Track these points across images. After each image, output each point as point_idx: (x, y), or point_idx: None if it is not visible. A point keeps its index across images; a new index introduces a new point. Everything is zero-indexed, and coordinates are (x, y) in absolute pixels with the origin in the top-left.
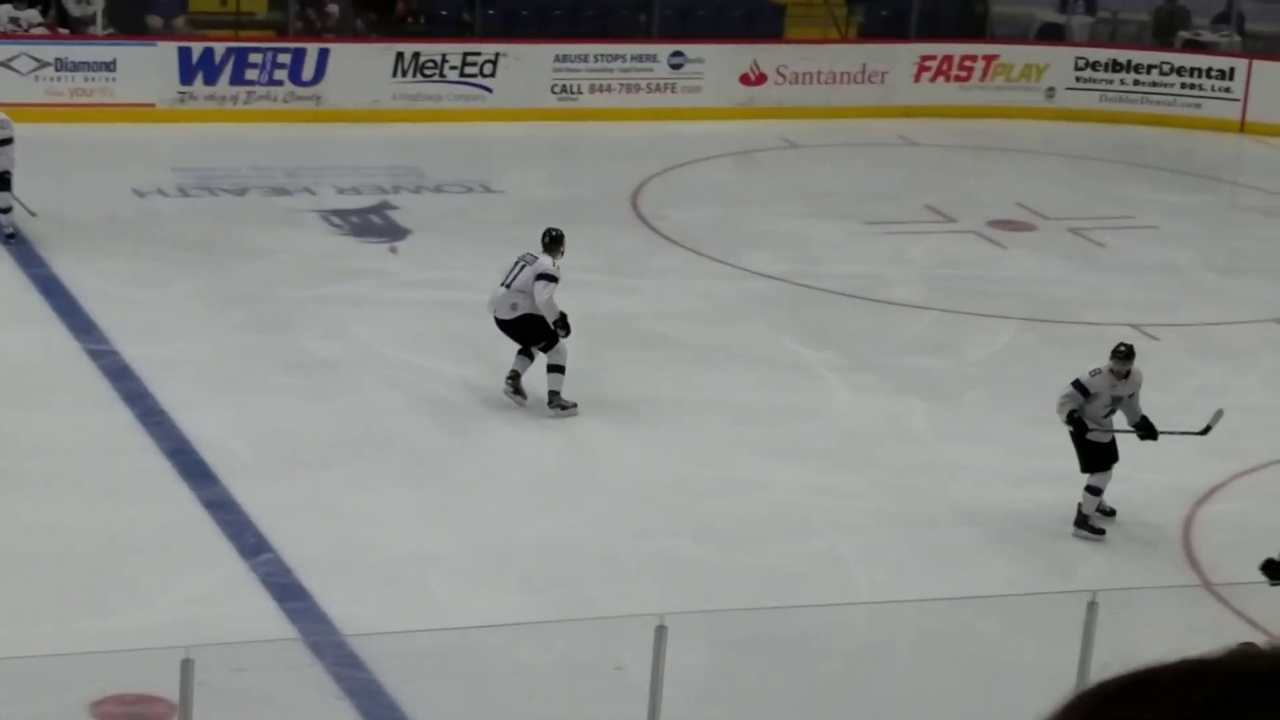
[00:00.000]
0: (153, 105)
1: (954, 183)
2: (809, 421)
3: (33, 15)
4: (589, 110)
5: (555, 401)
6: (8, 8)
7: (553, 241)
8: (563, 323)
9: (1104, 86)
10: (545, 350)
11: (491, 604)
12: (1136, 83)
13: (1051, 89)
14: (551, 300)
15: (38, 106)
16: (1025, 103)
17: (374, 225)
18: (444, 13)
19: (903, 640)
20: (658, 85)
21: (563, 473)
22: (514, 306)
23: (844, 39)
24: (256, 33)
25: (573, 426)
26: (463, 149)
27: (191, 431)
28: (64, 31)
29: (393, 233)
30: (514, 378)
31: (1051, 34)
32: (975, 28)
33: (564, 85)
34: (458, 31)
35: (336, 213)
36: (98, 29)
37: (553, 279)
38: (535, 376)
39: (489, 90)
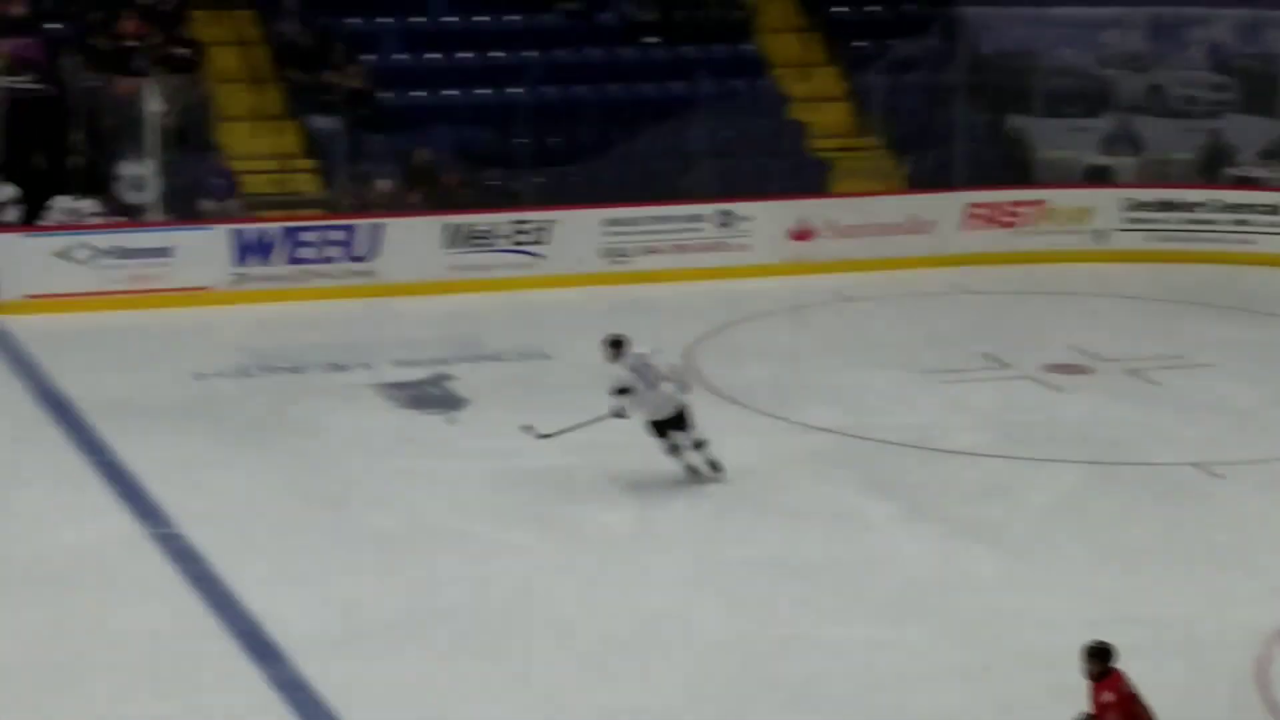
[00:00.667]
0: (209, 288)
1: (1008, 329)
2: (872, 574)
3: (89, 205)
4: (640, 273)
5: (720, 467)
6: (65, 199)
7: (617, 344)
8: None
9: (1153, 226)
10: (687, 428)
11: None
12: (1187, 221)
13: (1101, 231)
14: None
15: (96, 295)
16: (1075, 245)
17: (431, 396)
18: (493, 183)
19: None
20: (707, 244)
21: (629, 637)
22: (682, 387)
23: (891, 190)
24: (308, 211)
25: (636, 590)
26: (517, 316)
27: (259, 611)
28: (120, 219)
29: (450, 403)
30: (711, 464)
31: (1098, 176)
32: (1021, 173)
33: (614, 249)
34: (506, 201)
35: (394, 386)
36: (153, 215)
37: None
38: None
39: (540, 257)
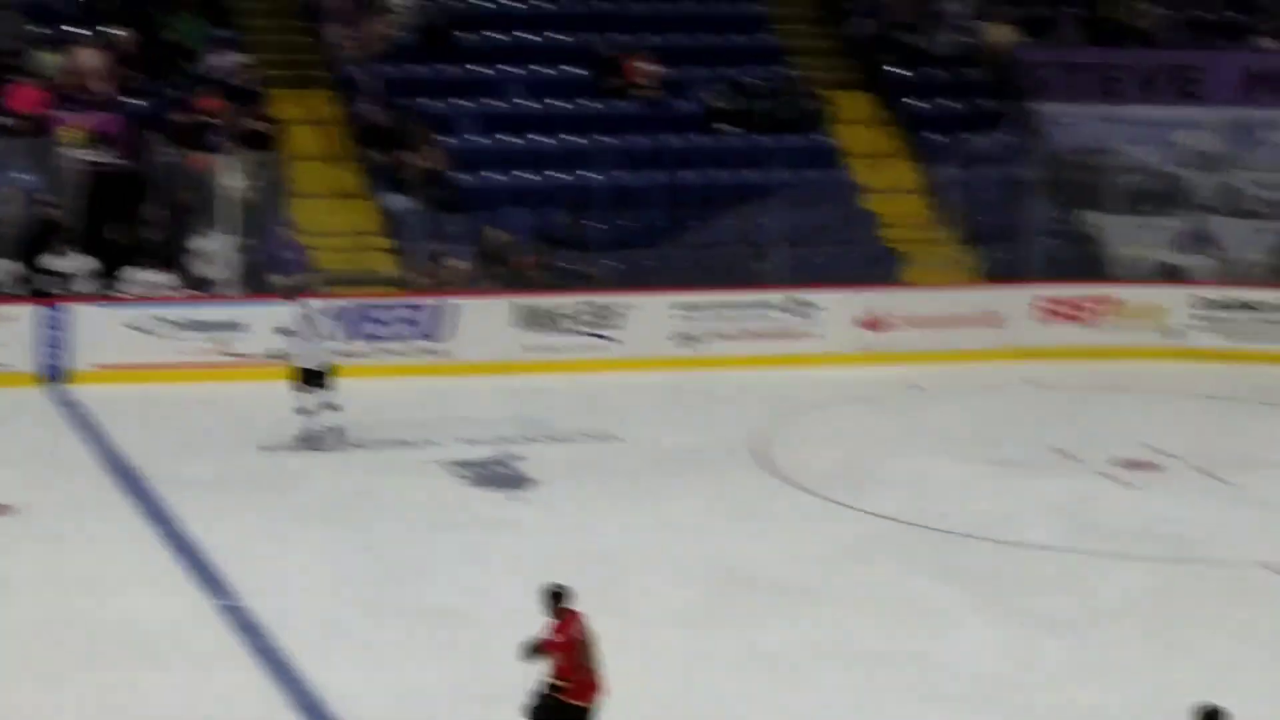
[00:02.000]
0: (279, 363)
1: (1079, 423)
2: (941, 665)
3: (163, 278)
4: (711, 358)
5: (344, 438)
6: (139, 271)
7: (290, 293)
8: None
9: (1226, 325)
10: (327, 389)
11: None
12: (1259, 320)
13: (1172, 328)
14: None
15: (167, 366)
16: (1147, 343)
17: (498, 475)
18: (565, 265)
19: None
20: (779, 331)
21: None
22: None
23: (963, 282)
24: (382, 289)
25: (696, 676)
26: (586, 398)
27: (320, 686)
28: (193, 293)
29: (517, 483)
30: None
31: (1170, 274)
32: (1093, 269)
33: (685, 333)
34: (579, 283)
35: (461, 464)
36: (225, 289)
37: None
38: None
39: (611, 340)
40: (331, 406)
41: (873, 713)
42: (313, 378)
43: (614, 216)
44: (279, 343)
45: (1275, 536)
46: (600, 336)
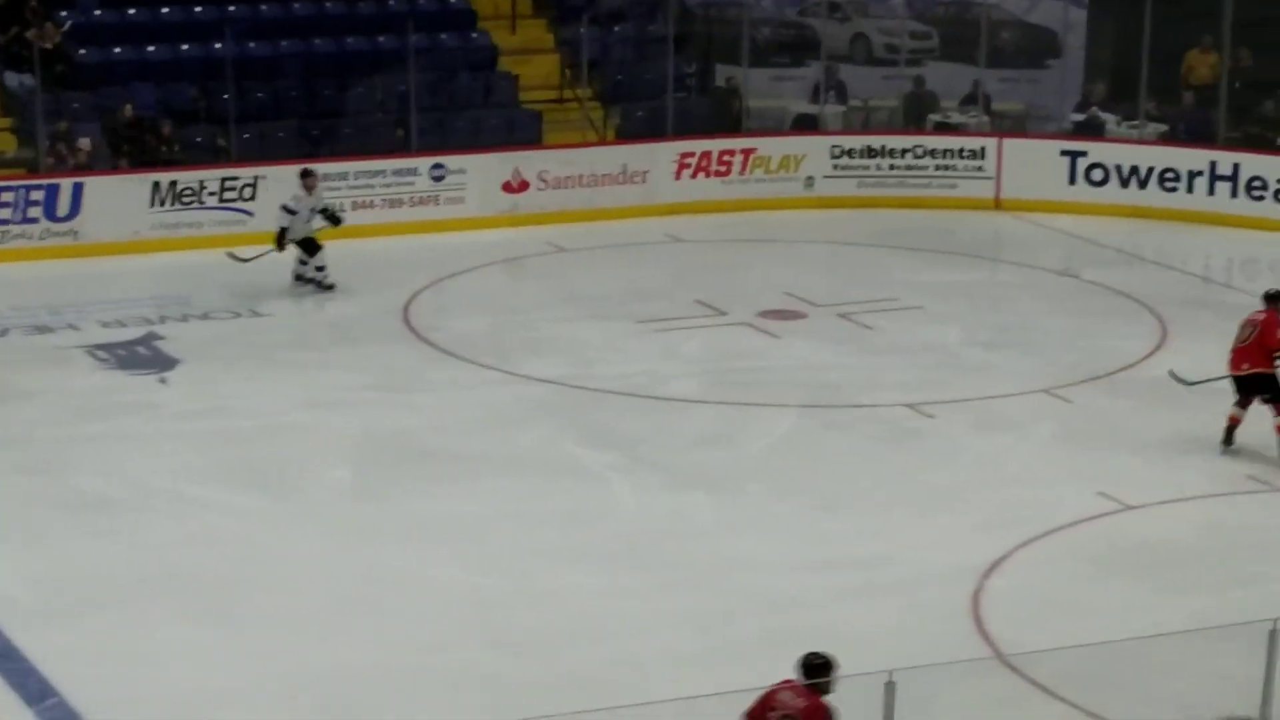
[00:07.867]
0: None
1: (722, 276)
2: (595, 524)
3: None
4: (353, 228)
5: (332, 286)
6: None
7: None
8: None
9: (860, 173)
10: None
11: None
12: (891, 167)
13: (810, 178)
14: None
15: None
16: (786, 194)
17: (141, 357)
18: (198, 139)
19: None
20: (420, 198)
21: (354, 595)
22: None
23: (602, 141)
24: (7, 171)
25: (362, 548)
26: (228, 274)
27: None
28: None
29: (161, 363)
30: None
31: (806, 125)
32: (731, 122)
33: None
34: (214, 157)
35: (102, 347)
36: None
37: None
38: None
39: (250, 214)
40: (320, 268)
41: (530, 574)
42: (302, 245)
43: (245, 88)
44: None
45: (915, 377)
46: (238, 210)
